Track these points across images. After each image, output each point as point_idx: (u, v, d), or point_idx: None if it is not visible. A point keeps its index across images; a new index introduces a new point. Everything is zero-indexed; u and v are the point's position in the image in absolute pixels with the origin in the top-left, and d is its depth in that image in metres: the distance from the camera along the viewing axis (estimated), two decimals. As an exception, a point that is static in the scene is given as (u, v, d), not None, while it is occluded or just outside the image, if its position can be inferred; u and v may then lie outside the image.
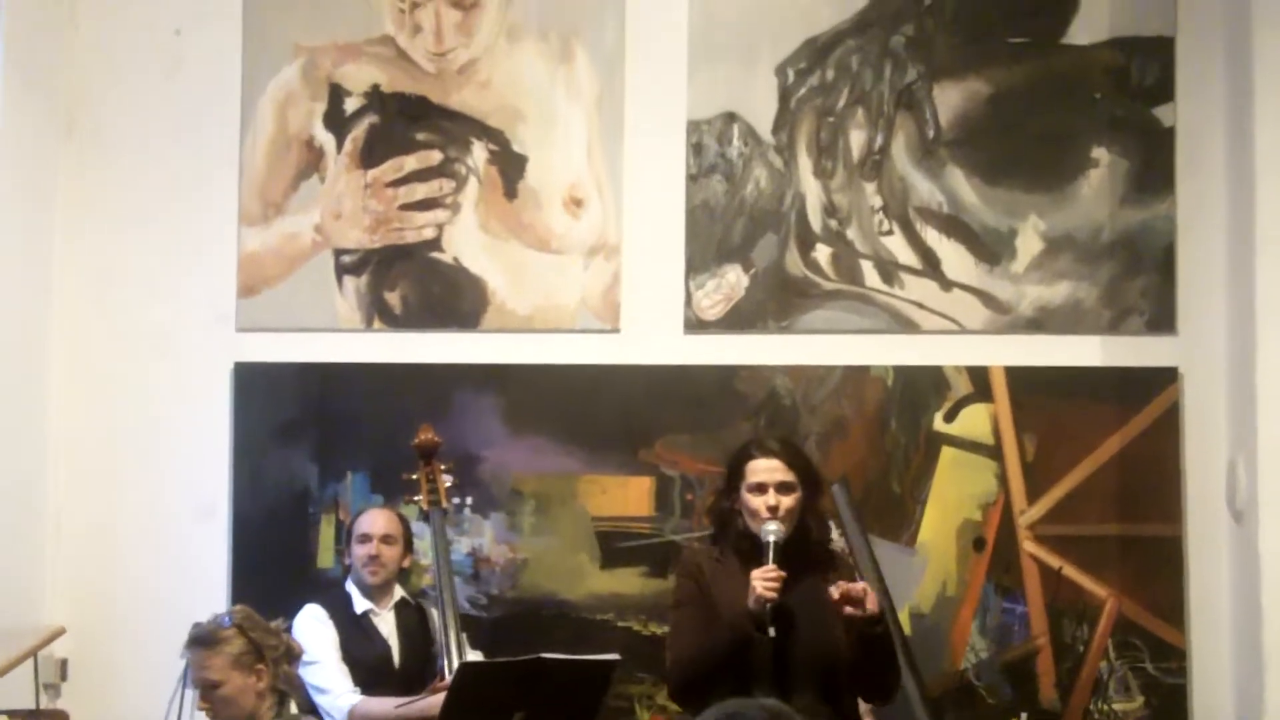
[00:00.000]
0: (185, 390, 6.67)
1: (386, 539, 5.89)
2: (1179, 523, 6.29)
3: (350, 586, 5.93)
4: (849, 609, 4.95)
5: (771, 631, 4.92)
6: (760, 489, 5.11)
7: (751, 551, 5.08)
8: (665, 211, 6.56)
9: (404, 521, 5.99)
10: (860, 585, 5.00)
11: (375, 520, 5.93)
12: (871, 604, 4.95)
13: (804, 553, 5.13)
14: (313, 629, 5.76)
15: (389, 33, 6.72)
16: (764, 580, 4.92)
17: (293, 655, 5.04)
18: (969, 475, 6.38)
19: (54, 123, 6.73)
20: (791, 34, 6.54)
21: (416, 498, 5.98)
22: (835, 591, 4.95)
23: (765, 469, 5.14)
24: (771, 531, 5.01)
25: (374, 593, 5.89)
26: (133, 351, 6.70)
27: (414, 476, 5.99)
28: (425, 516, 5.98)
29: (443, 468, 6.01)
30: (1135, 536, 6.30)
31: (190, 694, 4.99)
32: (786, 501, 5.09)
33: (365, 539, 5.88)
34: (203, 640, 4.90)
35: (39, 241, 6.64)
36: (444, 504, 5.96)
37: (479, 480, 6.48)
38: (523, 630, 6.34)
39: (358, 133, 6.70)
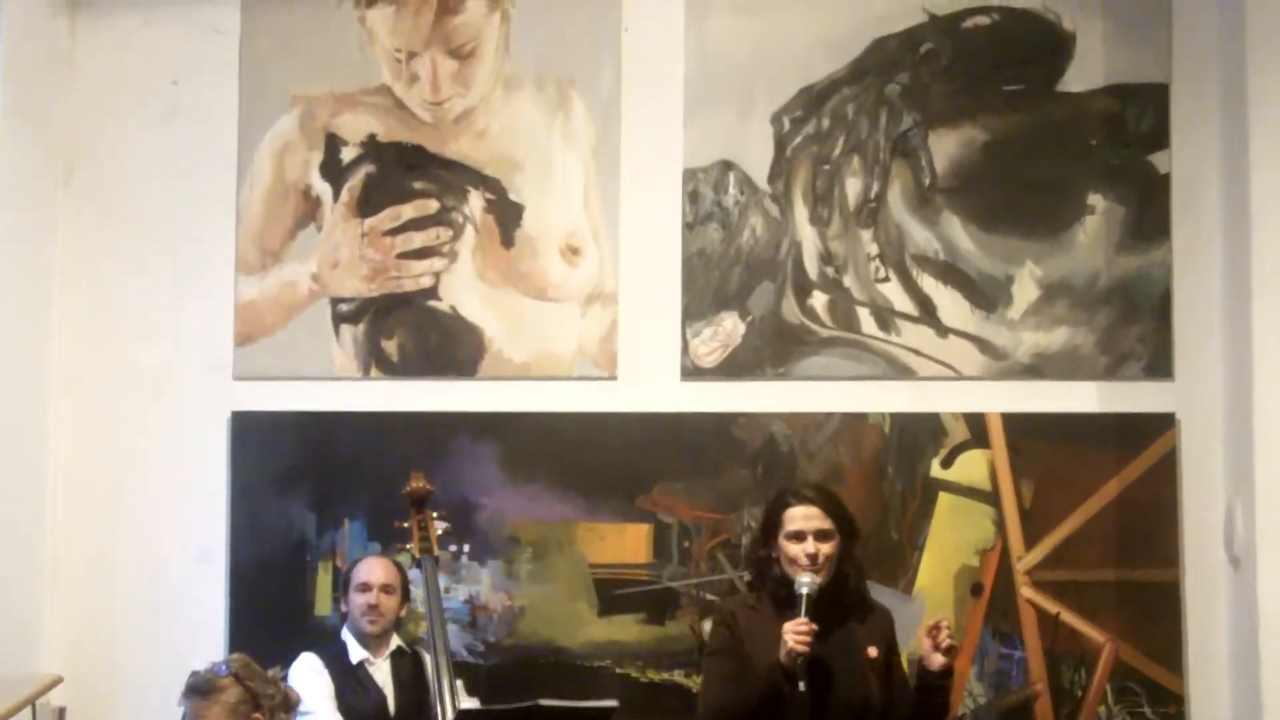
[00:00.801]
0: (182, 438, 6.68)
1: (386, 588, 5.89)
2: (1177, 568, 6.27)
3: (346, 635, 5.92)
4: (936, 648, 5.07)
5: (801, 686, 4.96)
6: (799, 537, 5.17)
7: (788, 599, 5.14)
8: (662, 259, 6.57)
9: (401, 570, 5.99)
10: (945, 624, 5.11)
11: (374, 569, 5.93)
12: (947, 643, 5.07)
13: (840, 601, 5.20)
14: (308, 678, 5.76)
15: (386, 82, 6.75)
16: (795, 634, 4.96)
17: (289, 704, 5.04)
18: (966, 521, 6.37)
19: (52, 169, 6.78)
20: (787, 82, 6.56)
21: (408, 545, 5.97)
22: (923, 637, 5.12)
23: (803, 516, 5.20)
24: (805, 584, 5.07)
25: (371, 642, 5.89)
26: (130, 398, 6.72)
27: (405, 524, 5.99)
28: (417, 564, 5.97)
29: (434, 515, 6.01)
30: (1133, 582, 6.28)
31: (188, 742, 4.97)
32: (825, 549, 5.16)
33: (365, 588, 5.88)
34: (200, 689, 4.90)
35: (37, 287, 6.66)
36: (435, 551, 5.96)
37: (476, 528, 6.48)
38: (520, 677, 6.34)
39: (355, 182, 6.72)
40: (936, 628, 5.11)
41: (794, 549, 5.17)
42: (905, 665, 5.46)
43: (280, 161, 6.75)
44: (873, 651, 5.16)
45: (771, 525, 5.28)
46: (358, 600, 5.88)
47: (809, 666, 4.98)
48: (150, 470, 6.68)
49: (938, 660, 5.12)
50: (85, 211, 6.80)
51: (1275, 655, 5.86)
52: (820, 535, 5.18)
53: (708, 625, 6.05)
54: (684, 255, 6.56)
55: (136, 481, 6.68)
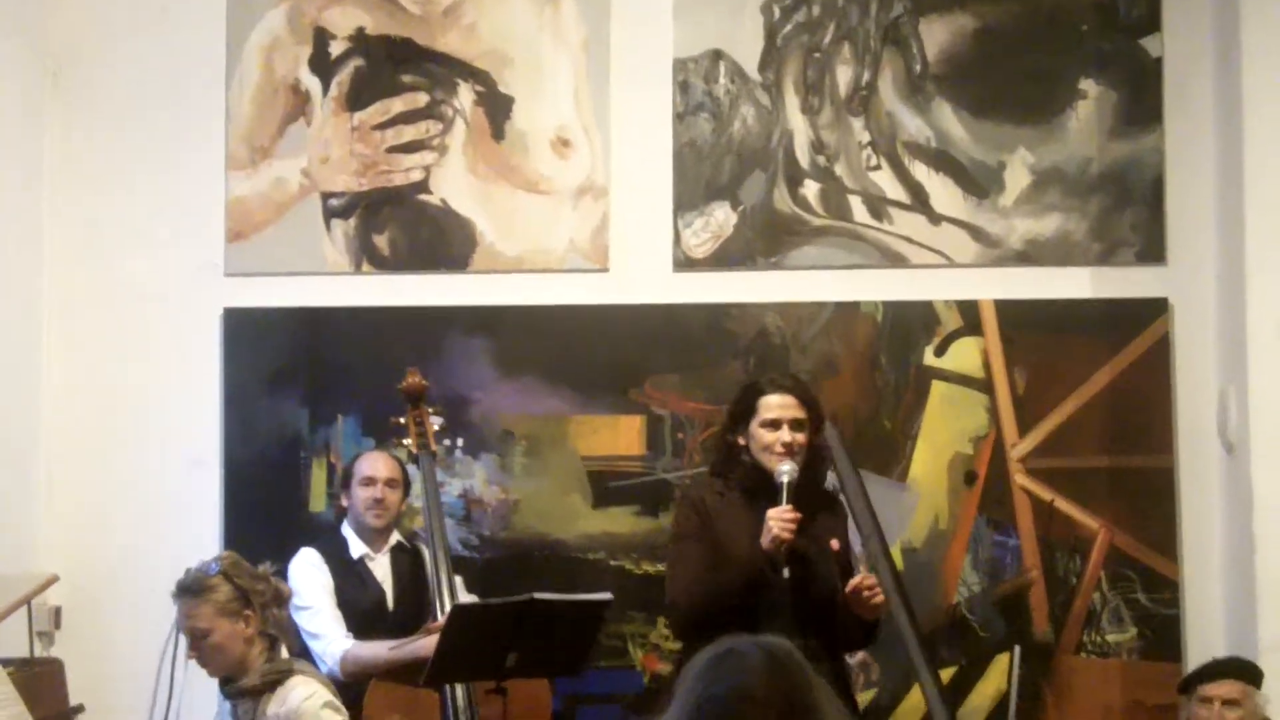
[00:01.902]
0: (175, 337, 6.67)
1: (390, 482, 5.88)
2: (1170, 454, 6.29)
3: (347, 530, 5.91)
4: (865, 593, 5.04)
5: (786, 573, 4.96)
6: (775, 425, 5.15)
7: (757, 488, 5.13)
8: (652, 151, 6.55)
9: (402, 465, 5.98)
10: (872, 579, 5.09)
11: (378, 464, 5.91)
12: (879, 599, 5.07)
13: (809, 492, 5.19)
14: (307, 574, 5.76)
15: (374, -25, 6.70)
16: (780, 521, 4.96)
17: (281, 599, 5.04)
18: (960, 410, 6.38)
19: (39, 74, 6.71)
20: (777, -30, 6.52)
21: (405, 441, 5.97)
22: (849, 585, 5.05)
23: (779, 405, 5.18)
24: (786, 472, 5.06)
25: (373, 536, 5.87)
26: (122, 299, 6.69)
27: (402, 420, 5.98)
28: (414, 460, 5.97)
29: (430, 411, 6.00)
30: (1127, 468, 6.30)
31: (184, 641, 4.98)
32: (800, 438, 5.15)
33: (370, 482, 5.86)
34: (189, 589, 4.90)
35: (27, 193, 6.63)
36: (433, 447, 5.96)
37: (470, 422, 6.48)
38: (515, 571, 6.37)
39: (344, 76, 6.68)
40: (858, 589, 5.07)
41: (769, 436, 5.15)
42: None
43: (269, 57, 6.70)
44: (834, 544, 5.15)
45: (744, 412, 5.24)
46: (362, 494, 5.86)
47: (789, 556, 4.99)
48: (144, 369, 6.65)
49: (868, 617, 5.14)
50: (74, 113, 6.75)
51: (1269, 540, 5.91)
52: (796, 424, 5.16)
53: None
54: (675, 146, 6.53)
55: (130, 380, 6.66)
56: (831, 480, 6.00)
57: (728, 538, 5.13)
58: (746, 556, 5.02)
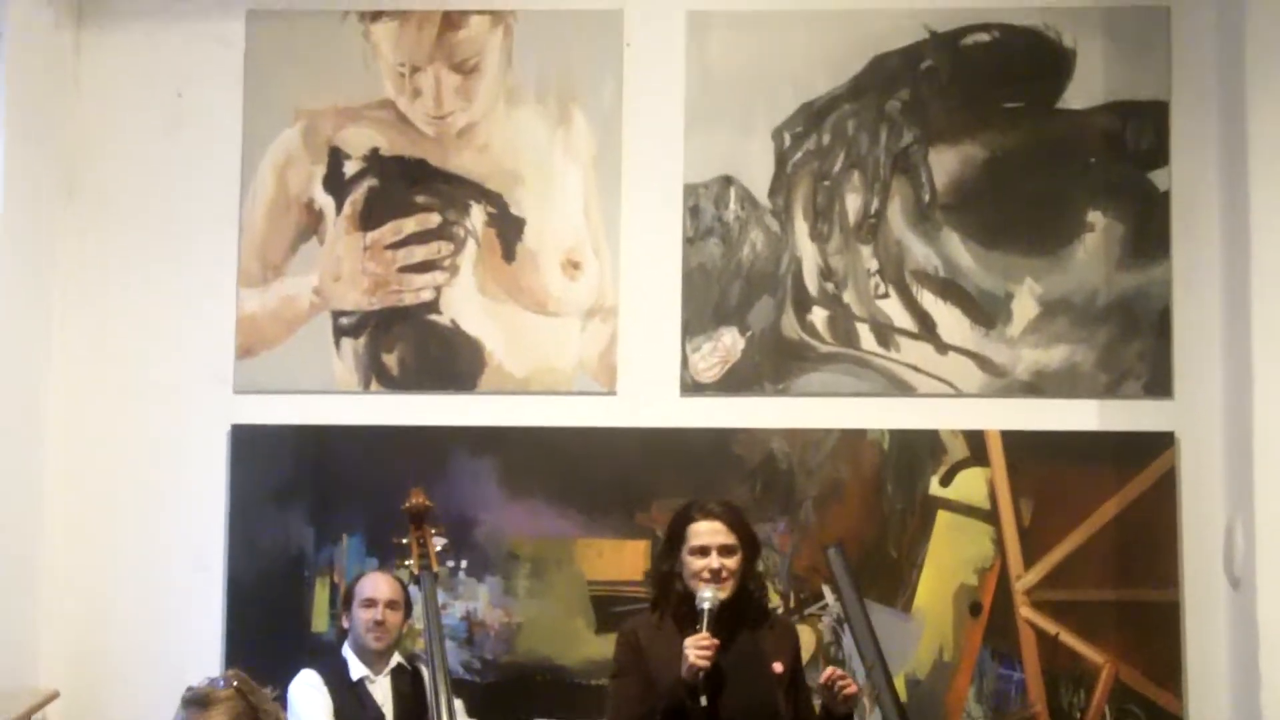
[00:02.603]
0: (182, 451, 6.67)
1: (391, 604, 5.88)
2: (1176, 588, 6.26)
3: (347, 651, 5.90)
4: (838, 684, 5.02)
5: (703, 700, 4.98)
6: (703, 551, 5.19)
7: (689, 616, 5.15)
8: (662, 274, 6.57)
9: (404, 586, 5.98)
10: (841, 672, 5.12)
11: (379, 585, 5.91)
12: (851, 690, 5.07)
13: (744, 616, 5.22)
14: (307, 695, 5.75)
15: (389, 97, 6.74)
16: (696, 649, 4.98)
17: (281, 726, 5.03)
18: (965, 540, 6.36)
19: (56, 182, 6.75)
20: (787, 98, 6.56)
21: (408, 562, 5.95)
22: (821, 677, 5.09)
23: (708, 531, 5.22)
24: (706, 599, 5.09)
25: (373, 658, 5.87)
26: (131, 411, 6.70)
27: (404, 541, 5.97)
28: (416, 580, 5.95)
29: (434, 531, 5.99)
30: (1132, 602, 6.27)
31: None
32: (729, 563, 5.19)
33: (370, 604, 5.86)
34: (200, 701, 4.87)
35: (40, 300, 6.65)
36: (435, 568, 5.94)
37: (474, 543, 6.47)
38: (517, 695, 6.35)
39: (357, 195, 6.72)
40: (830, 680, 5.08)
41: (697, 563, 5.18)
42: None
43: (283, 174, 6.75)
44: (778, 667, 5.15)
45: (675, 540, 5.29)
46: (363, 616, 5.86)
47: (712, 681, 4.98)
48: (149, 482, 6.66)
49: (841, 710, 5.13)
50: (89, 223, 6.79)
51: (1275, 676, 5.85)
52: (724, 550, 5.19)
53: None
54: (684, 270, 6.56)
55: (135, 493, 6.66)
56: (835, 606, 6.01)
57: (660, 670, 5.14)
58: (666, 687, 5.04)
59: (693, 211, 6.57)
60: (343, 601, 6.05)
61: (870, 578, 6.31)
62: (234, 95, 6.82)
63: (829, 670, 5.11)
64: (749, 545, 5.31)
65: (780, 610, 6.24)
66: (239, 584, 6.55)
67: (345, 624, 5.96)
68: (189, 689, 4.92)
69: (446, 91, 6.73)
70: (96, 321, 6.76)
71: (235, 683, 4.90)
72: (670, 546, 5.32)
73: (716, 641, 5.01)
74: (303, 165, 6.75)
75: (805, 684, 5.38)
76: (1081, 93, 6.44)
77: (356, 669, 5.85)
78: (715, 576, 5.16)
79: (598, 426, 6.53)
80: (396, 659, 5.94)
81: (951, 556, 6.36)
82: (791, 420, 6.48)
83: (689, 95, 6.61)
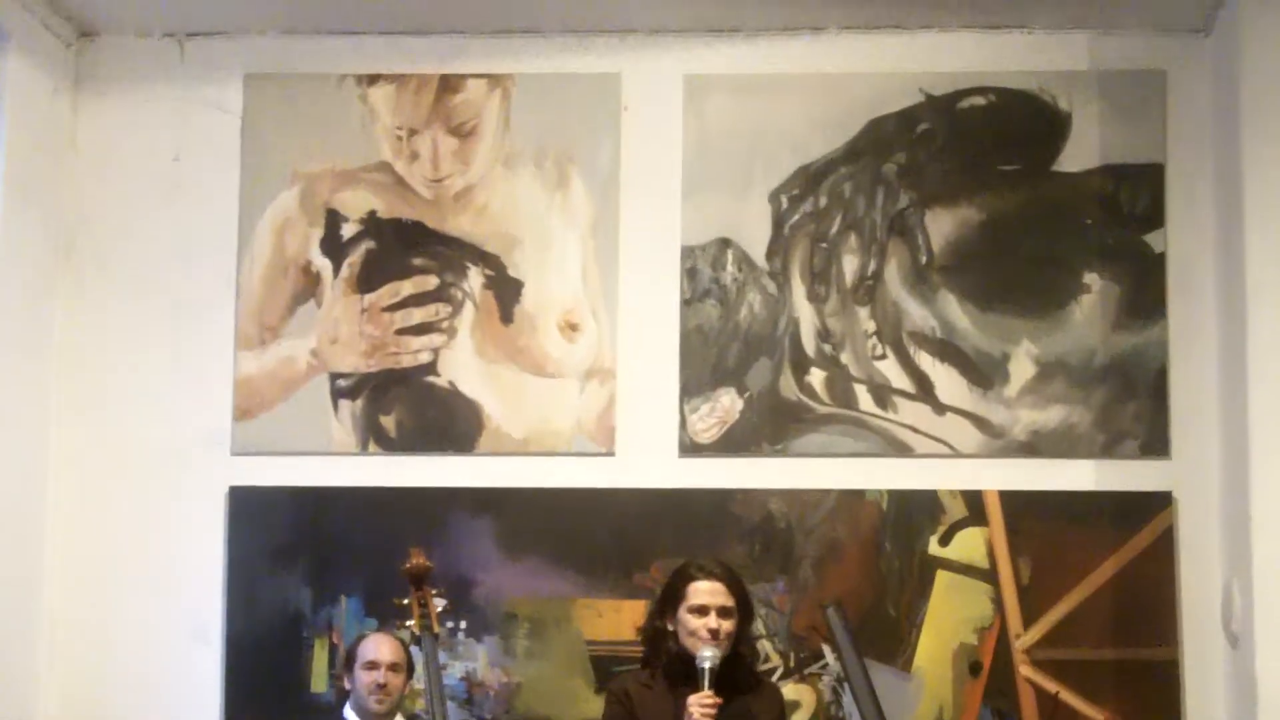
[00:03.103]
0: (180, 513, 6.65)
1: (393, 666, 5.85)
2: (1175, 646, 6.29)
3: (348, 712, 5.87)
4: None
5: None
6: (702, 611, 5.22)
7: (683, 674, 5.19)
8: (660, 336, 6.60)
9: (406, 648, 5.96)
10: None
11: (382, 647, 5.88)
12: None
13: (734, 678, 5.24)
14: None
15: (386, 159, 6.77)
16: (700, 706, 5.02)
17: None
18: (964, 599, 6.37)
19: (53, 245, 6.75)
20: (784, 161, 6.61)
21: (408, 623, 5.91)
22: None
23: (708, 591, 5.26)
24: (708, 658, 5.12)
25: (364, 717, 5.85)
26: (128, 473, 6.69)
27: (405, 602, 5.94)
28: (417, 641, 5.93)
29: (434, 592, 5.96)
30: (1132, 660, 6.29)
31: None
32: (726, 625, 5.22)
33: (373, 666, 5.83)
34: None
35: (36, 362, 6.64)
36: (435, 629, 5.91)
37: (473, 604, 6.46)
38: (517, 754, 6.32)
39: (355, 258, 6.73)
40: None
41: (696, 622, 5.21)
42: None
43: (280, 237, 6.76)
44: None
45: (673, 598, 5.32)
46: (365, 679, 5.83)
47: None
48: (148, 543, 6.64)
49: None
50: (86, 287, 6.79)
51: (1274, 733, 5.87)
52: (723, 612, 5.24)
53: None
54: (682, 331, 6.58)
55: (134, 554, 6.63)
56: (834, 666, 6.02)
57: None
58: None
59: (690, 273, 6.60)
60: (344, 663, 6.00)
61: (870, 637, 6.32)
62: (231, 158, 6.83)
63: None
64: (744, 609, 5.35)
65: (780, 670, 6.25)
66: (237, 645, 6.53)
67: (346, 685, 5.92)
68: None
69: (444, 154, 6.76)
70: (93, 384, 6.75)
71: None
72: (666, 603, 5.36)
73: (719, 700, 5.04)
74: (300, 227, 6.77)
75: None
76: (1077, 156, 6.50)
77: (356, 730, 5.84)
78: (714, 636, 5.18)
79: (596, 487, 6.53)
80: None
81: (951, 616, 6.37)
82: (790, 480, 6.49)
83: (686, 158, 6.65)
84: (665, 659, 5.30)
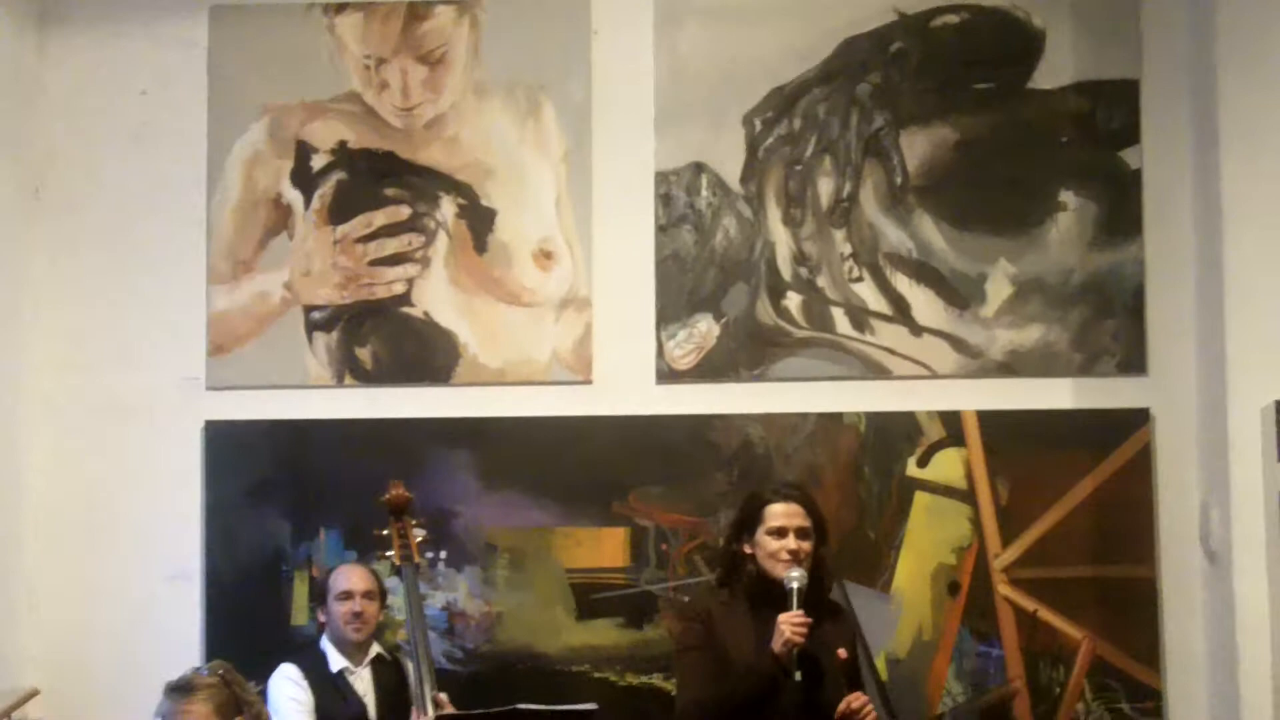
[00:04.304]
0: (156, 450, 6.65)
1: (368, 595, 5.87)
2: (1153, 564, 6.30)
3: (326, 644, 5.89)
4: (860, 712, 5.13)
5: (798, 676, 5.01)
6: (781, 533, 5.25)
7: (764, 596, 5.21)
8: (635, 263, 6.58)
9: (378, 576, 5.97)
10: (863, 698, 5.17)
11: (353, 577, 5.90)
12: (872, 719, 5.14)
13: (815, 600, 5.24)
14: (287, 690, 5.73)
15: (356, 90, 6.72)
16: (792, 625, 5.03)
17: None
18: (943, 520, 6.38)
19: (22, 185, 6.71)
20: (758, 84, 6.56)
21: (388, 553, 5.95)
22: (841, 705, 5.14)
23: (784, 513, 5.28)
24: (795, 578, 5.16)
25: (352, 650, 5.86)
26: (104, 412, 6.68)
27: (385, 532, 5.97)
28: (398, 572, 5.95)
29: (414, 523, 5.99)
30: (1110, 578, 6.31)
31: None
32: (806, 546, 5.24)
33: (347, 596, 5.85)
34: (182, 688, 4.87)
35: (8, 303, 6.61)
36: (416, 559, 5.94)
37: (453, 535, 6.46)
38: (499, 684, 6.30)
39: (326, 190, 6.70)
40: (848, 711, 5.15)
41: (775, 544, 5.24)
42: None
43: (250, 171, 6.72)
44: (842, 653, 5.21)
45: (750, 521, 5.34)
46: (340, 609, 5.84)
47: (803, 658, 5.04)
48: (125, 481, 6.64)
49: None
50: (56, 227, 6.75)
51: (1252, 649, 5.89)
52: (801, 533, 5.26)
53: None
54: (657, 258, 6.56)
55: (112, 493, 6.63)
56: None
57: (733, 646, 5.20)
58: (754, 662, 5.06)
59: (664, 199, 6.56)
60: (319, 595, 6.01)
61: (849, 559, 6.32)
62: (199, 93, 6.79)
63: (848, 698, 5.16)
64: (821, 530, 5.38)
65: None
66: (217, 580, 6.54)
67: (322, 618, 5.94)
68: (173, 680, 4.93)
69: (413, 84, 6.71)
70: (67, 324, 6.73)
71: (220, 672, 4.90)
72: (743, 527, 5.38)
73: (810, 620, 5.07)
74: (270, 161, 6.73)
75: (859, 676, 5.43)
76: (1051, 73, 6.47)
77: (336, 661, 5.84)
78: (794, 557, 5.22)
79: (574, 416, 6.53)
80: (376, 649, 5.94)
81: (929, 537, 6.38)
82: (768, 406, 6.49)
83: (658, 83, 6.61)
84: (746, 581, 5.32)
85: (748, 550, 5.33)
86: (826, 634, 5.25)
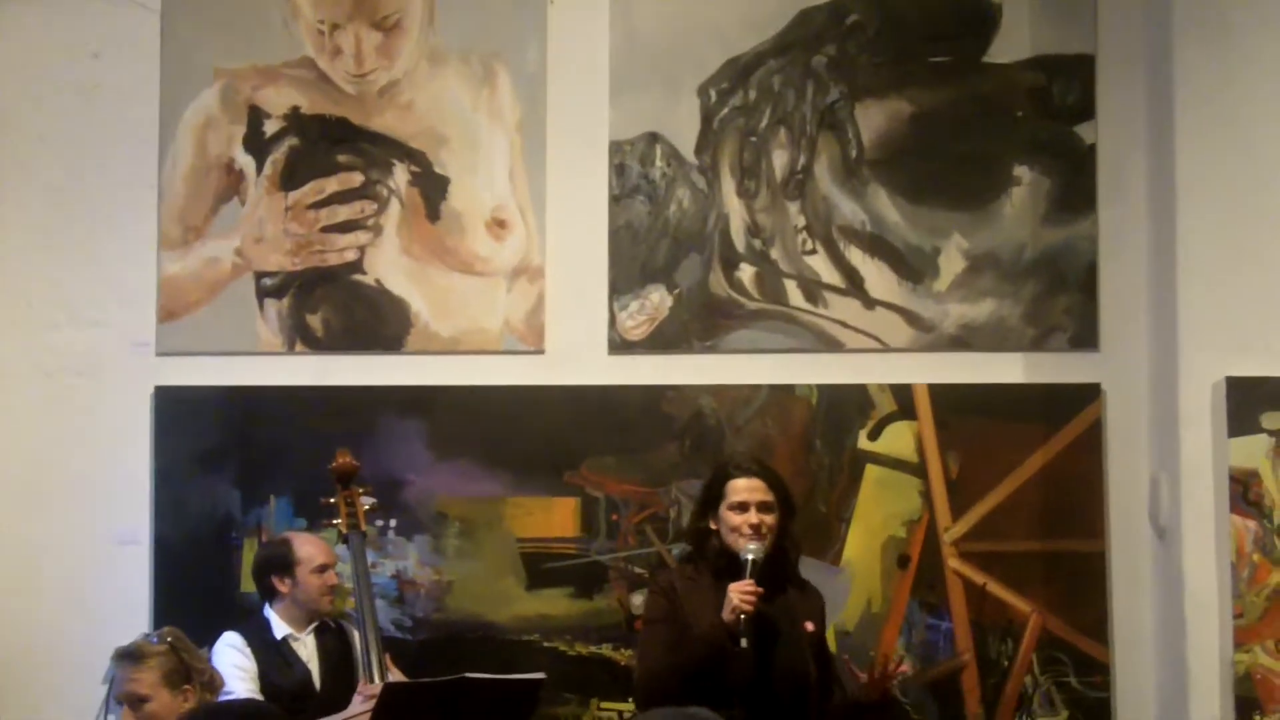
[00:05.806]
0: (106, 415, 6.60)
1: (334, 565, 5.88)
2: (1102, 538, 6.33)
3: (269, 612, 5.87)
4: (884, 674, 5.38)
5: (744, 643, 5.06)
6: (742, 507, 5.29)
7: (728, 570, 5.25)
8: (588, 233, 6.56)
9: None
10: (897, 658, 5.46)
11: (322, 549, 5.91)
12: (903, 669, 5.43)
13: (779, 576, 5.32)
14: (230, 657, 5.72)
15: (309, 55, 6.68)
16: (741, 593, 5.08)
17: (214, 686, 5.02)
18: (893, 493, 6.40)
19: (-31, 146, 6.67)
20: (713, 55, 6.55)
21: (335, 521, 5.94)
22: (874, 672, 5.35)
23: (747, 488, 5.33)
24: (751, 550, 5.21)
25: (299, 617, 5.84)
26: (53, 377, 6.63)
27: (332, 500, 5.96)
28: (344, 540, 5.94)
29: (361, 491, 5.98)
30: (1059, 552, 6.34)
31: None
32: (768, 520, 5.28)
33: (324, 569, 5.84)
34: (132, 655, 4.87)
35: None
36: (363, 527, 5.93)
37: (404, 504, 6.45)
38: (449, 653, 6.31)
39: (278, 155, 6.66)
40: (887, 663, 5.42)
41: (737, 519, 5.29)
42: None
43: (202, 136, 6.67)
44: (809, 626, 5.29)
45: (713, 497, 5.40)
46: (317, 583, 5.82)
47: (753, 628, 5.08)
48: (74, 448, 6.59)
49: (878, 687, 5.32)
50: (4, 187, 6.69)
51: (1200, 625, 5.93)
52: (763, 507, 5.31)
53: (638, 599, 6.12)
54: (610, 229, 6.55)
55: (60, 459, 6.59)
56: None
57: (695, 619, 5.24)
58: (703, 631, 5.12)
59: (618, 170, 6.55)
60: (278, 565, 5.94)
61: (800, 532, 6.25)
62: (151, 57, 6.73)
63: (887, 664, 5.45)
64: (785, 505, 5.42)
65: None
66: (166, 547, 6.50)
67: (282, 588, 5.88)
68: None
69: (367, 50, 6.67)
70: (16, 287, 6.68)
71: (170, 639, 4.90)
72: (707, 503, 5.43)
73: (760, 590, 5.12)
74: (222, 126, 6.69)
75: (828, 646, 5.55)
76: (1007, 47, 6.47)
77: (280, 628, 5.83)
78: (755, 532, 5.26)
79: (526, 385, 6.51)
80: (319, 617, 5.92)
81: (880, 510, 6.40)
82: (720, 377, 6.49)
83: (614, 52, 6.58)
84: (711, 556, 5.37)
85: (713, 526, 5.37)
86: (794, 606, 5.32)
